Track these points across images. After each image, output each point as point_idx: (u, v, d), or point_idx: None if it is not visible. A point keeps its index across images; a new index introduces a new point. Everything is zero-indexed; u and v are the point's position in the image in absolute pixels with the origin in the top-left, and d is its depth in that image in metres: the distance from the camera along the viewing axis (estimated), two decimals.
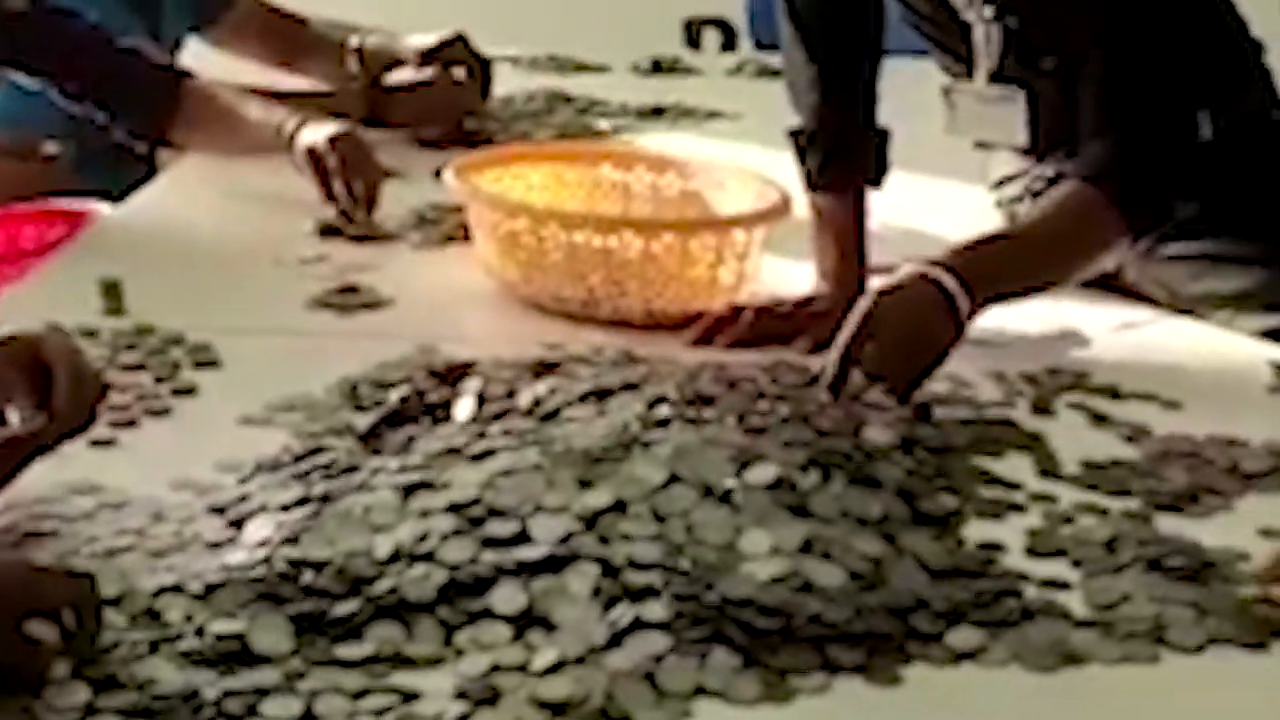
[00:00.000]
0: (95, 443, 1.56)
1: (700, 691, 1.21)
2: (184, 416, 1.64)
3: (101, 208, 2.31)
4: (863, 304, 1.62)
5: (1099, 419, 1.68)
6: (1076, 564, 1.39)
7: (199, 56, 2.63)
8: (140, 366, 1.72)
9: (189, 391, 1.68)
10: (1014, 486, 1.51)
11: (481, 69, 2.60)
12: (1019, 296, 1.73)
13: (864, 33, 1.92)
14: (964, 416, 1.64)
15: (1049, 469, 1.55)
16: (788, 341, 1.79)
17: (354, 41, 2.56)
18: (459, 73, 2.58)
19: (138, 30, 2.43)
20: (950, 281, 1.63)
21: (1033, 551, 1.41)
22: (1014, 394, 1.72)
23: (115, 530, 1.40)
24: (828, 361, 1.60)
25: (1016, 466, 1.55)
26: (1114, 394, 1.73)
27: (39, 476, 1.47)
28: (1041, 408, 1.69)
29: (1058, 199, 1.75)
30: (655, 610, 1.25)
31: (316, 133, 2.14)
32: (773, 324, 1.81)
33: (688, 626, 1.24)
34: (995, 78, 1.91)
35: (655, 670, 1.22)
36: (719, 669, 1.22)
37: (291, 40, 2.66)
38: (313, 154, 2.12)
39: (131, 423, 1.61)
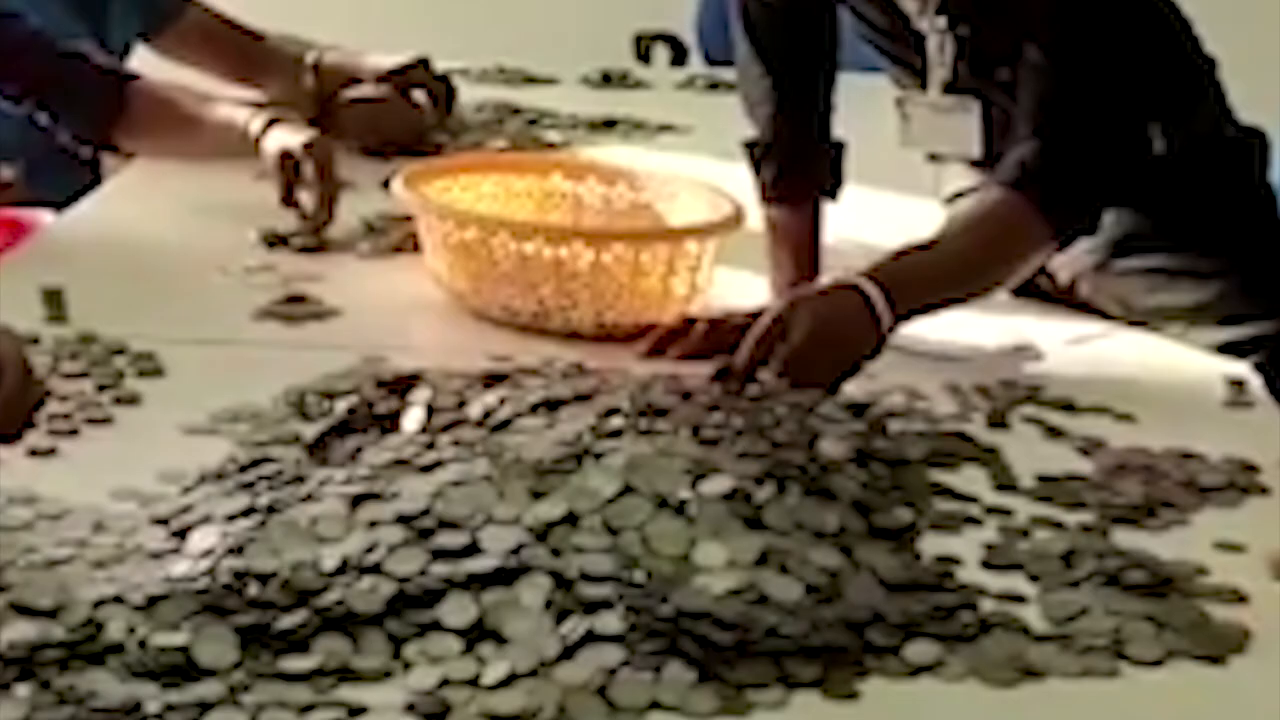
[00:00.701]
0: (34, 452, 1.53)
1: (655, 706, 1.19)
2: (126, 426, 1.61)
3: (46, 216, 2.28)
4: (777, 305, 1.61)
5: (1054, 432, 1.66)
6: (1034, 578, 1.37)
7: (151, 67, 2.59)
8: (83, 374, 1.69)
9: (132, 400, 1.65)
10: (970, 500, 1.49)
11: (445, 93, 2.58)
12: (947, 305, 1.72)
13: (819, 45, 1.91)
14: (919, 429, 1.62)
15: (1005, 482, 1.54)
16: (728, 353, 1.77)
17: (310, 57, 2.53)
18: (419, 95, 2.55)
19: (83, 36, 2.40)
20: (873, 290, 1.62)
21: (989, 565, 1.39)
22: (969, 407, 1.70)
23: (54, 541, 1.37)
24: (735, 358, 1.59)
25: (972, 479, 1.54)
26: (1069, 407, 1.72)
27: None
28: (997, 421, 1.68)
29: (982, 205, 1.75)
30: (609, 623, 1.23)
31: (290, 136, 2.09)
32: (726, 336, 1.78)
33: (642, 640, 1.22)
34: (949, 89, 1.90)
35: (609, 684, 1.19)
36: (674, 683, 1.20)
37: (245, 53, 2.62)
38: (286, 157, 2.08)
39: (73, 431, 1.58)
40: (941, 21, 1.87)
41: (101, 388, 1.67)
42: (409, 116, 2.52)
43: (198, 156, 2.22)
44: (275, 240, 2.10)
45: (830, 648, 1.24)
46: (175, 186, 2.26)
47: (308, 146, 2.07)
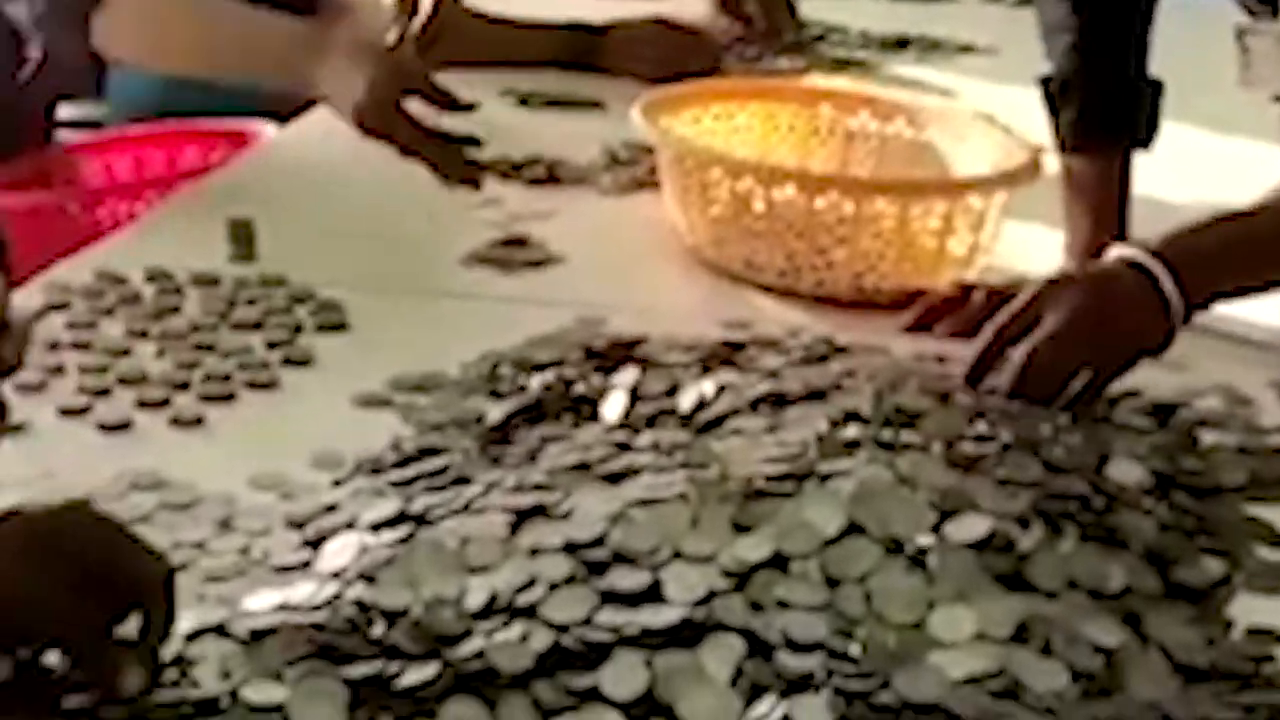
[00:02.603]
0: (176, 421, 1.31)
1: None
2: (290, 392, 1.38)
3: (267, 129, 2.06)
4: (1037, 282, 1.30)
5: None
6: None
7: None
8: (255, 325, 1.47)
9: (304, 362, 1.43)
10: None
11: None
12: (1249, 293, 1.38)
13: None
14: (1238, 444, 1.31)
15: None
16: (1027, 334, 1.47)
17: None
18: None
19: None
20: (1160, 269, 1.30)
21: None
22: None
23: (170, 541, 1.14)
24: (972, 347, 1.29)
25: None
26: None
27: (101, 462, 1.23)
28: None
29: None
30: (812, 709, 0.96)
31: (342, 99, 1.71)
32: None
33: None
34: None
35: None
36: None
37: None
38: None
39: (228, 397, 1.36)
40: None
41: (272, 345, 1.44)
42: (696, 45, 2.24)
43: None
44: (507, 171, 1.86)
45: None
46: None
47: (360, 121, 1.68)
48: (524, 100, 2.15)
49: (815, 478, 1.10)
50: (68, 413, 1.31)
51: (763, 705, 0.97)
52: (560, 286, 1.60)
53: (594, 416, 1.27)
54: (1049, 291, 1.28)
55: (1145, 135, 1.59)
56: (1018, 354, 1.26)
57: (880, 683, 0.97)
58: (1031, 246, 1.66)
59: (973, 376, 1.27)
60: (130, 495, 1.20)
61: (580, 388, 1.31)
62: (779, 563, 1.04)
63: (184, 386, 1.36)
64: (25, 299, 1.48)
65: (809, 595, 1.02)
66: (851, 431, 1.16)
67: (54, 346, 1.41)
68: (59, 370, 1.37)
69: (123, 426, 1.30)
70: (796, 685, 0.98)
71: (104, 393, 1.34)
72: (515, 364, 1.38)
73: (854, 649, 0.99)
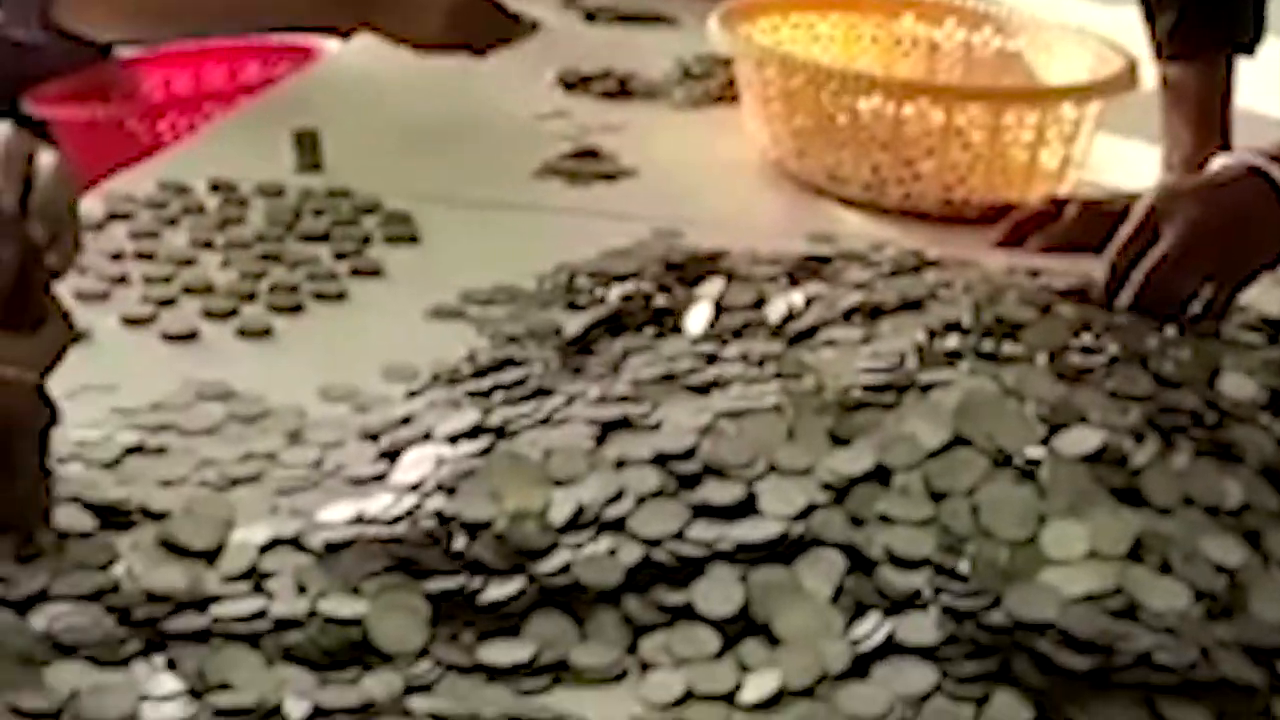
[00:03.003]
0: (244, 332, 1.26)
1: None
2: (360, 303, 1.34)
3: (329, 44, 2.01)
4: (1151, 195, 1.23)
5: None
6: None
7: None
8: (323, 237, 1.42)
9: (373, 273, 1.38)
10: None
11: None
12: None
13: None
14: None
15: None
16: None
17: None
18: None
19: None
20: None
21: None
22: None
23: (240, 453, 1.10)
24: (1098, 267, 1.23)
25: None
26: None
27: (166, 372, 1.19)
28: None
29: None
30: (918, 628, 0.91)
31: None
32: (1103, 225, 1.42)
33: (962, 657, 0.90)
34: None
35: (910, 717, 0.88)
36: None
37: None
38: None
39: (295, 308, 1.31)
40: None
41: (340, 255, 1.39)
42: None
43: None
44: (576, 82, 1.81)
45: (1227, 684, 0.89)
46: None
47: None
48: (590, 16, 2.09)
49: (915, 389, 1.05)
50: (132, 322, 1.27)
51: (866, 623, 0.92)
52: (633, 200, 1.55)
53: (676, 329, 1.22)
54: (1164, 205, 1.22)
55: (1250, 40, 1.52)
56: (1137, 274, 1.20)
57: (990, 601, 0.92)
58: (1125, 161, 1.60)
59: (1107, 300, 1.20)
60: (197, 405, 1.16)
61: (661, 300, 1.26)
62: (880, 476, 0.99)
63: (251, 297, 1.31)
64: (86, 208, 1.44)
65: (913, 509, 0.97)
66: (951, 342, 1.10)
67: (117, 256, 1.36)
68: (122, 280, 1.33)
69: (188, 337, 1.26)
70: (901, 603, 0.93)
71: (169, 303, 1.30)
72: (592, 276, 1.33)
73: (962, 566, 0.94)
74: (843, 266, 1.33)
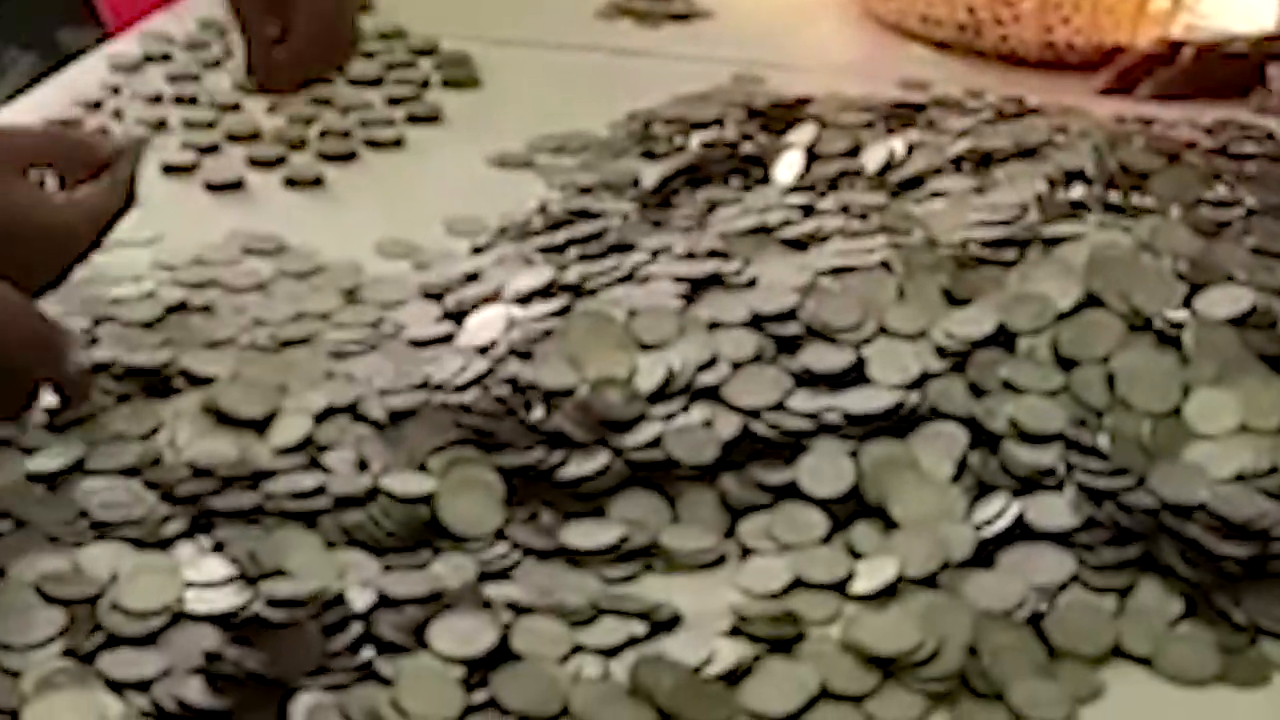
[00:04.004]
0: (292, 181, 1.17)
1: (1116, 654, 0.77)
2: (418, 152, 1.24)
3: None
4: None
5: None
6: None
7: None
8: (375, 82, 1.32)
9: (431, 118, 1.28)
10: None
11: None
12: None
13: None
14: None
15: None
16: (1242, 95, 1.30)
17: None
18: None
19: None
20: None
21: None
22: None
23: (291, 312, 1.01)
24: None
25: None
26: None
27: (211, 224, 1.10)
28: None
29: None
30: (1051, 511, 0.82)
31: None
32: (1223, 69, 1.32)
33: (1101, 544, 0.81)
34: None
35: (1046, 610, 0.78)
36: (1146, 616, 0.79)
37: None
38: None
39: (349, 156, 1.21)
40: None
41: (394, 101, 1.29)
42: None
43: None
44: None
45: None
46: None
47: None
48: None
49: (1039, 243, 0.95)
50: (173, 170, 1.17)
51: (991, 505, 0.83)
52: (709, 42, 1.44)
53: (765, 179, 1.12)
54: None
55: None
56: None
57: (1132, 481, 0.82)
58: (1239, 2, 1.48)
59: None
60: (245, 261, 1.07)
61: (747, 147, 1.15)
62: (1003, 340, 0.89)
63: (300, 144, 1.22)
64: (122, 48, 1.34)
65: (1041, 378, 0.87)
66: (1075, 192, 1.00)
67: (156, 99, 1.27)
68: (162, 125, 1.23)
69: (234, 186, 1.17)
70: (1031, 483, 0.83)
71: (212, 149, 1.20)
72: (669, 123, 1.23)
73: (1099, 441, 0.84)
74: (940, 114, 1.22)
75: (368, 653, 0.74)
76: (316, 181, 1.18)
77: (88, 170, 0.96)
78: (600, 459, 0.85)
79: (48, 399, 0.88)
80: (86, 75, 1.30)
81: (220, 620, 0.75)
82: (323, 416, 0.89)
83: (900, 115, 1.21)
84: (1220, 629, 0.78)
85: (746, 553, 0.83)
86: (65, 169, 0.96)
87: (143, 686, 0.73)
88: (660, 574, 0.82)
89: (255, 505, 0.82)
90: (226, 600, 0.76)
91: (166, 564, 0.79)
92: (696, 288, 0.95)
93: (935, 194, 1.04)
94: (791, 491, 0.84)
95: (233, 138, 1.22)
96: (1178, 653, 0.77)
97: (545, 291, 0.98)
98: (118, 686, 0.73)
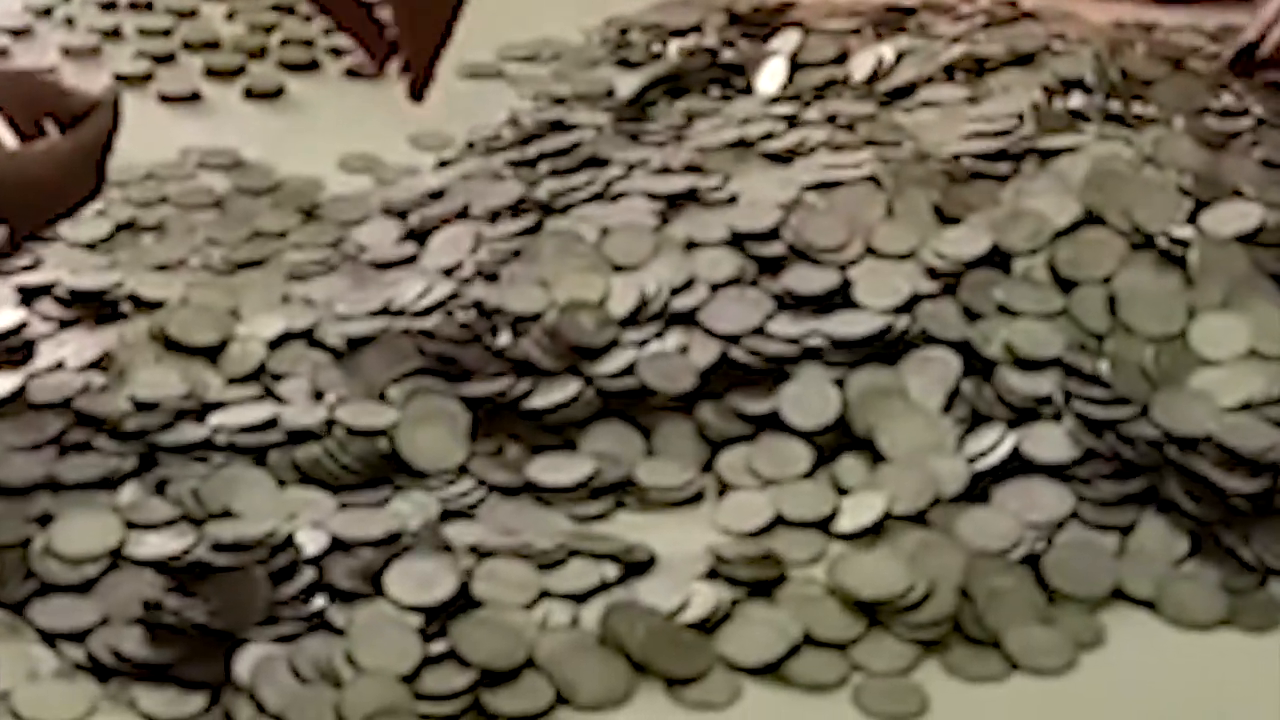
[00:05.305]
0: (251, 93, 1.12)
1: (1118, 596, 0.73)
2: None
3: None
4: None
5: None
6: None
7: None
8: None
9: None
10: None
11: None
12: None
13: None
14: None
15: None
16: None
17: None
18: None
19: None
20: None
21: None
22: None
23: (247, 232, 0.96)
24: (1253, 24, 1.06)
25: None
26: None
27: (166, 138, 1.04)
28: None
29: None
30: (1048, 442, 0.78)
31: None
32: None
33: (1101, 477, 0.76)
34: None
35: (1042, 550, 0.74)
36: (1149, 556, 0.74)
37: None
38: None
39: (310, 65, 1.16)
40: None
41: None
42: None
43: None
44: None
45: None
46: None
47: None
48: None
49: (1035, 157, 0.90)
50: (126, 80, 1.12)
51: (985, 436, 0.78)
52: None
53: (747, 89, 1.07)
54: None
55: None
56: None
57: (1134, 410, 0.77)
58: None
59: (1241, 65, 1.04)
60: (200, 176, 1.03)
61: (728, 55, 1.10)
62: (998, 260, 0.85)
63: (260, 53, 1.16)
64: None
65: (1038, 300, 0.83)
66: (1074, 102, 0.95)
67: (109, 6, 1.21)
68: (115, 34, 1.18)
69: (189, 98, 1.12)
70: (1027, 412, 0.79)
71: (167, 59, 1.15)
72: (646, 30, 1.18)
73: (1100, 367, 0.79)
74: (931, 19, 1.17)
75: (319, 601, 0.70)
76: (277, 93, 1.13)
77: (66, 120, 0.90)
78: (570, 388, 0.81)
79: None
80: None
81: (161, 566, 0.70)
82: (277, 343, 0.85)
83: (889, 20, 1.16)
84: (1227, 569, 0.74)
85: (725, 488, 0.78)
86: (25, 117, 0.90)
87: (77, 637, 0.69)
88: (633, 512, 0.78)
89: (202, 440, 0.78)
90: (168, 545, 0.71)
91: (105, 504, 0.74)
92: (673, 205, 0.90)
93: (926, 104, 0.99)
94: (773, 422, 0.80)
95: (189, 46, 1.17)
96: (1182, 594, 0.73)
97: (514, 209, 0.94)
98: (50, 637, 0.69)
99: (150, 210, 0.98)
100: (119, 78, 1.12)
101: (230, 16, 1.21)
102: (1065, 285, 0.83)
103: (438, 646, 0.68)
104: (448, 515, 0.75)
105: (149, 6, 1.22)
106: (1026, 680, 0.70)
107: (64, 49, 1.14)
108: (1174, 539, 0.75)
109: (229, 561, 0.70)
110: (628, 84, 1.09)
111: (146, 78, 1.13)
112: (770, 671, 0.70)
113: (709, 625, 0.71)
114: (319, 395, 0.81)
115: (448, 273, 0.89)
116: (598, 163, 0.98)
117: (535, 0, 1.26)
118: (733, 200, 0.90)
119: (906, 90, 1.01)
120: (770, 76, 1.07)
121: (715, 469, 0.79)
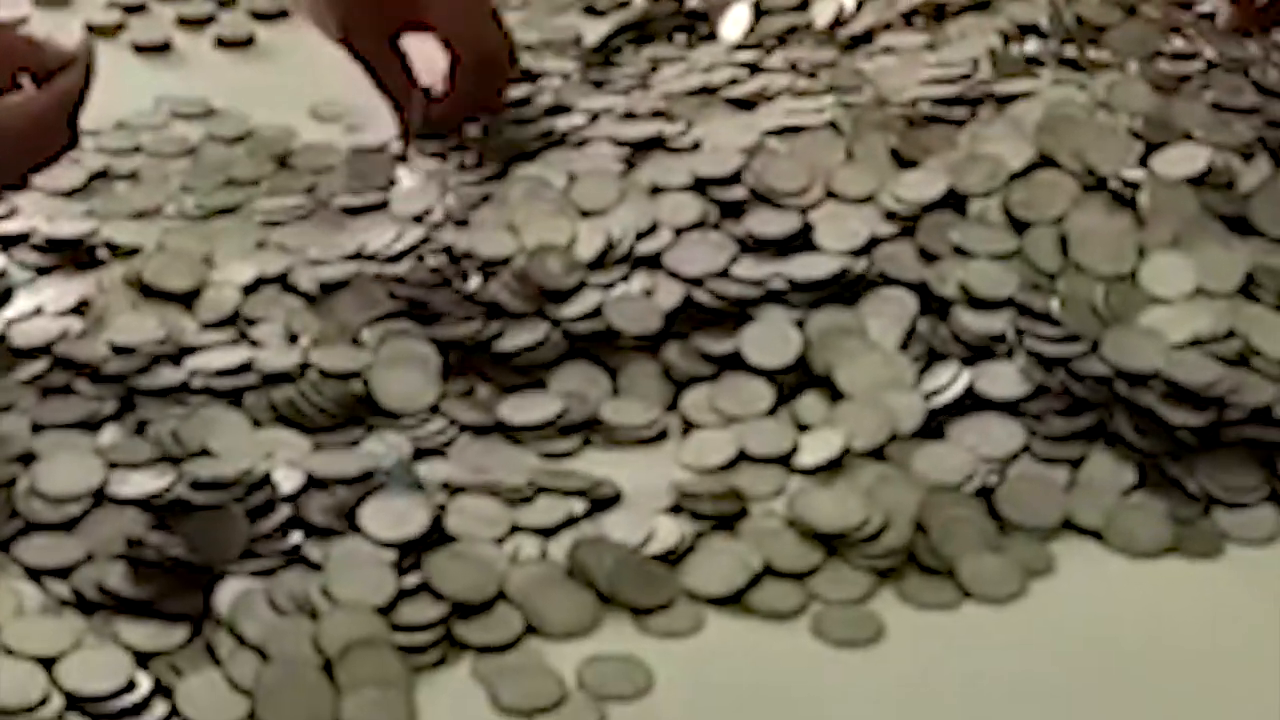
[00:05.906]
0: (221, 42, 1.13)
1: (1067, 526, 0.75)
2: None
3: None
4: None
5: None
6: None
7: None
8: None
9: None
10: None
11: None
12: None
13: None
14: None
15: None
16: None
17: None
18: None
19: None
20: None
21: None
22: None
23: (221, 180, 0.98)
24: None
25: None
26: None
27: (138, 88, 1.06)
28: None
29: None
30: (1002, 379, 0.80)
31: None
32: None
33: (1052, 413, 0.78)
34: None
35: (996, 484, 0.77)
36: (1096, 488, 0.77)
37: None
38: None
39: (282, 14, 1.17)
40: None
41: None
42: None
43: None
44: None
45: None
46: None
47: None
48: None
49: (991, 101, 0.92)
50: (97, 30, 1.13)
51: (941, 374, 0.80)
52: None
53: (711, 35, 1.09)
54: None
55: None
56: None
57: (1084, 348, 0.80)
58: None
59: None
60: (173, 125, 1.04)
61: (692, 2, 1.12)
62: (954, 202, 0.86)
63: (230, 2, 1.17)
64: None
65: (992, 241, 0.84)
66: (1029, 47, 0.97)
67: None
68: None
69: (161, 48, 1.13)
70: (981, 350, 0.81)
71: (139, 8, 1.16)
72: None
73: (1051, 306, 0.81)
74: None
75: (296, 537, 0.72)
76: (248, 41, 1.14)
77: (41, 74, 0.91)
78: (539, 330, 0.83)
79: None
80: None
81: (143, 504, 0.72)
82: (251, 289, 0.86)
83: None
84: (1173, 499, 0.76)
85: (689, 426, 0.80)
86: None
87: (62, 573, 0.70)
88: (600, 449, 0.80)
89: (179, 383, 0.80)
90: (149, 484, 0.73)
91: (87, 445, 0.76)
92: (638, 151, 0.92)
93: (886, 49, 1.00)
94: (735, 362, 0.82)
95: None
96: (1129, 524, 0.75)
97: (480, 156, 0.95)
98: (35, 574, 0.71)
99: (124, 159, 1.00)
100: (91, 28, 1.13)
101: None
102: (1019, 226, 0.85)
103: (411, 580, 0.70)
104: (420, 454, 0.77)
105: None
106: (979, 608, 0.72)
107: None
108: (1122, 471, 0.77)
109: (208, 499, 0.72)
110: (595, 31, 1.10)
111: (118, 27, 1.14)
112: (732, 601, 0.72)
113: (673, 557, 0.73)
114: (293, 339, 0.83)
115: (418, 219, 0.91)
116: (563, 110, 0.99)
117: None
118: (696, 146, 0.91)
119: (866, 37, 1.03)
120: (734, 23, 1.09)
121: (679, 407, 0.81)
